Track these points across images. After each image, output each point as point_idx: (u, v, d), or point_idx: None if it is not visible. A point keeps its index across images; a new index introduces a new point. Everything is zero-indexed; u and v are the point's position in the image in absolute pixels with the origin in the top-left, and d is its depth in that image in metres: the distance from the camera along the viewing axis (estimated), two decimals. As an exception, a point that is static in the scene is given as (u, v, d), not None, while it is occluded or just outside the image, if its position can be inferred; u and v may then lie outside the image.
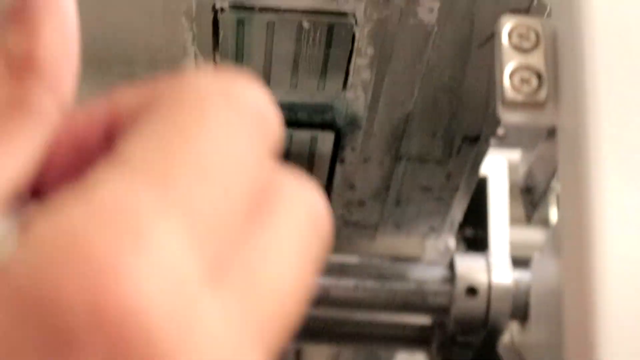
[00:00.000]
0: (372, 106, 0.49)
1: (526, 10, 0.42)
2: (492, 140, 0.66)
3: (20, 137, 0.25)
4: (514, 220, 0.69)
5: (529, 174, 0.51)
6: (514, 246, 0.68)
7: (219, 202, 0.23)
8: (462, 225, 0.70)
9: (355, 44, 0.45)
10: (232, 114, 0.25)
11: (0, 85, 0.25)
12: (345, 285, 0.61)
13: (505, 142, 0.69)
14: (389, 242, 0.67)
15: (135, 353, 0.20)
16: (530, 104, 0.35)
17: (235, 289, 0.23)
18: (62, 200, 0.22)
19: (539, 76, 0.35)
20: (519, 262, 0.64)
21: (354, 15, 0.44)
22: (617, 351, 0.30)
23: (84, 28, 0.43)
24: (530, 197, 0.52)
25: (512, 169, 0.69)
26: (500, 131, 0.70)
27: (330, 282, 0.61)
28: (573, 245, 0.33)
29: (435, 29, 0.44)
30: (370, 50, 0.46)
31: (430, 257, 0.68)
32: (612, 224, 0.31)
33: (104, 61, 0.46)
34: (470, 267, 0.61)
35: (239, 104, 0.25)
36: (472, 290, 0.60)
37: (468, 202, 0.61)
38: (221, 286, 0.23)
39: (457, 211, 0.60)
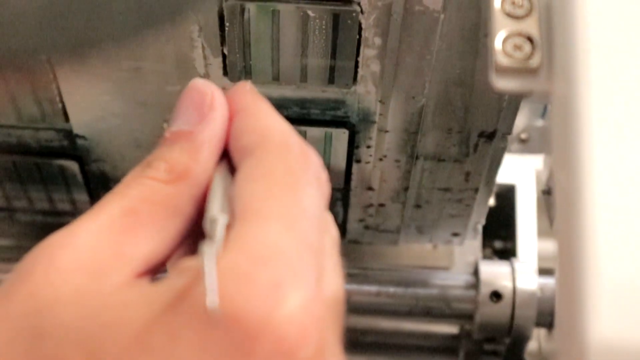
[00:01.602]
0: (384, 100, 0.49)
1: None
2: (516, 146, 0.66)
3: (163, 228, 0.35)
4: (542, 233, 0.68)
5: (552, 177, 0.51)
6: (543, 258, 0.67)
7: (321, 243, 0.34)
8: (491, 237, 0.69)
9: (363, 34, 0.45)
10: (314, 179, 0.36)
11: (159, 187, 0.36)
12: (367, 291, 0.61)
13: (528, 146, 0.68)
14: (415, 253, 0.67)
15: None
16: (523, 70, 0.34)
17: (326, 301, 0.34)
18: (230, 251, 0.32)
19: (532, 43, 0.35)
20: (548, 272, 0.63)
21: (359, 3, 0.44)
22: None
23: (90, 24, 0.43)
24: (552, 200, 0.51)
25: (540, 178, 0.68)
26: (523, 135, 0.69)
27: (352, 287, 0.60)
28: (564, 211, 0.32)
29: (442, 16, 0.44)
30: (377, 41, 0.45)
31: (459, 269, 0.67)
32: (603, 189, 0.31)
33: (112, 56, 0.47)
34: (494, 272, 0.60)
35: (315, 169, 0.37)
36: (496, 295, 0.59)
37: (489, 206, 0.60)
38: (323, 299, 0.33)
39: (479, 215, 0.59)
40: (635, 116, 0.31)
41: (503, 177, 0.68)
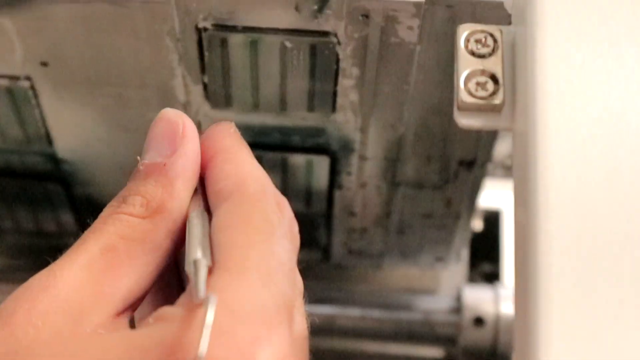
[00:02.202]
0: (364, 129, 0.50)
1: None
2: (502, 171, 0.66)
3: (142, 264, 0.36)
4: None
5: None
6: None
7: (294, 295, 0.35)
8: (480, 261, 0.69)
9: (340, 64, 0.46)
10: (288, 231, 0.37)
11: (136, 223, 0.36)
12: (351, 314, 0.61)
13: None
14: (401, 276, 0.67)
15: None
16: (486, 108, 0.35)
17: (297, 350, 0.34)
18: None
19: (496, 81, 0.35)
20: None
21: (336, 35, 0.44)
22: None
23: (74, 50, 0.44)
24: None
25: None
26: (508, 161, 0.70)
27: (336, 311, 0.61)
28: (522, 244, 0.32)
29: (418, 48, 0.45)
30: (355, 71, 0.46)
31: (445, 293, 0.68)
32: (556, 226, 0.31)
33: (95, 83, 0.47)
34: (478, 297, 0.61)
35: (289, 221, 0.37)
36: (479, 321, 0.60)
37: (476, 231, 0.61)
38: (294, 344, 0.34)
39: (462, 240, 0.59)
40: (591, 156, 0.32)
41: (489, 202, 0.68)
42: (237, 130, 0.41)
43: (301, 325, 0.36)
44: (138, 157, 0.39)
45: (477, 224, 0.70)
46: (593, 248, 0.31)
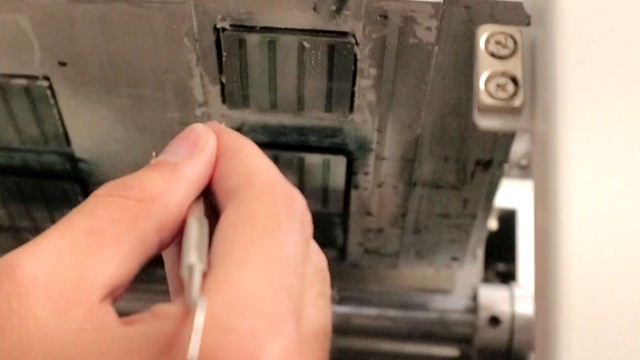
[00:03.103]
0: (381, 129, 0.50)
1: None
2: (518, 171, 0.66)
3: (127, 250, 0.35)
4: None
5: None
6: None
7: (300, 288, 0.35)
8: (495, 260, 0.69)
9: (358, 64, 0.46)
10: (297, 222, 0.36)
11: (128, 205, 0.36)
12: (367, 313, 0.61)
13: (529, 172, 0.69)
14: (417, 276, 0.67)
15: None
16: (506, 109, 0.35)
17: (308, 344, 0.35)
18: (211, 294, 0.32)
19: (516, 82, 0.35)
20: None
21: (354, 35, 0.44)
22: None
23: (92, 50, 0.44)
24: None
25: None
26: (524, 161, 0.70)
27: (352, 310, 0.61)
28: (542, 245, 0.33)
29: (436, 48, 0.45)
30: (373, 71, 0.46)
31: (460, 292, 0.68)
32: (578, 229, 0.31)
33: (113, 83, 0.48)
34: (493, 297, 0.61)
35: (299, 212, 0.37)
36: (495, 320, 0.60)
37: (491, 230, 0.61)
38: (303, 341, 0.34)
39: (477, 240, 0.59)
40: (612, 157, 0.32)
41: (505, 202, 0.69)
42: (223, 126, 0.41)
43: (313, 320, 0.36)
44: (153, 153, 0.39)
45: (493, 224, 0.70)
46: (614, 250, 0.31)
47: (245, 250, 0.34)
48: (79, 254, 0.34)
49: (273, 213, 0.36)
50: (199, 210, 0.38)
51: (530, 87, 0.35)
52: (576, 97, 0.33)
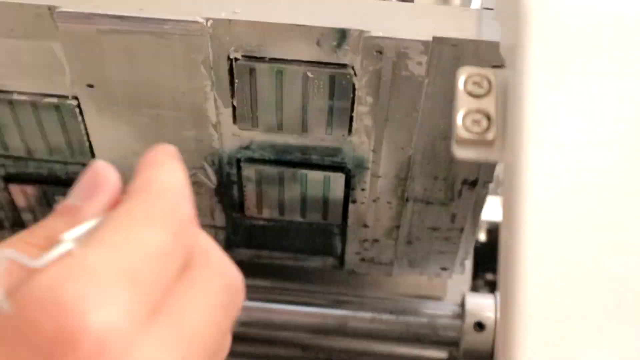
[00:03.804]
0: (376, 150, 0.55)
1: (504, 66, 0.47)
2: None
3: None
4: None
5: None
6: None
7: (157, 278, 0.37)
8: (483, 270, 0.74)
9: (356, 93, 0.51)
10: (175, 225, 0.38)
11: (34, 252, 0.37)
12: (362, 317, 0.66)
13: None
14: (412, 283, 0.72)
15: None
16: (480, 142, 0.40)
17: (164, 327, 0.36)
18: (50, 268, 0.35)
19: (489, 119, 0.40)
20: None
21: (352, 67, 0.49)
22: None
23: (117, 74, 0.50)
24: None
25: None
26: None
27: (349, 314, 0.66)
28: (505, 259, 0.38)
29: (426, 80, 0.50)
30: (369, 99, 0.51)
31: (450, 300, 0.73)
32: (536, 251, 0.36)
33: (134, 103, 0.53)
34: (479, 304, 0.66)
35: (178, 220, 0.39)
36: (480, 325, 0.65)
37: (479, 242, 0.66)
38: (154, 324, 0.36)
39: (465, 251, 0.64)
40: (569, 188, 0.37)
41: (492, 215, 0.74)
42: (174, 149, 0.43)
43: (193, 326, 0.37)
44: (57, 198, 0.43)
45: (481, 236, 0.75)
46: (567, 265, 0.36)
47: (106, 235, 0.36)
48: None
49: (149, 212, 0.38)
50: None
51: (502, 123, 0.40)
52: (538, 133, 0.38)
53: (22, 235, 0.39)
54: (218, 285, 0.40)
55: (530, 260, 0.36)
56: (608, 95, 0.39)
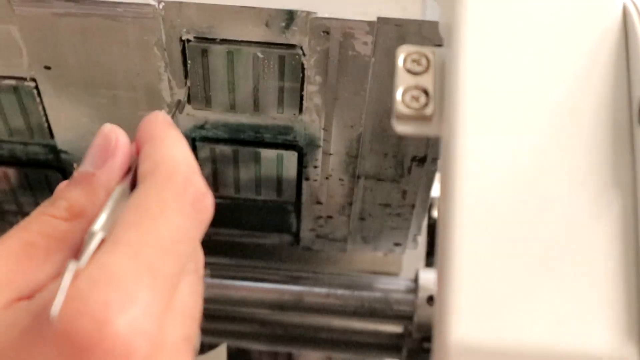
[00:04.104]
0: (327, 128, 0.57)
1: (446, 44, 0.49)
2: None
3: (56, 260, 0.39)
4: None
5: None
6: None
7: (172, 267, 0.38)
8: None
9: (305, 72, 0.53)
10: (188, 207, 0.40)
11: (57, 224, 0.40)
12: (318, 292, 0.68)
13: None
14: (364, 259, 0.74)
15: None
16: (419, 117, 0.42)
17: (176, 315, 0.39)
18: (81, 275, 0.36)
19: (427, 95, 0.42)
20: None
21: (301, 47, 0.51)
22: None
23: (73, 56, 0.51)
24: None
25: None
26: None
27: (304, 289, 0.67)
28: (441, 233, 0.39)
29: (372, 60, 0.51)
30: (318, 79, 0.53)
31: (405, 275, 0.74)
32: (469, 220, 0.38)
33: (90, 85, 0.54)
34: (432, 279, 0.68)
35: (191, 197, 0.40)
36: (432, 299, 0.66)
37: (428, 219, 0.67)
38: (170, 314, 0.38)
39: (417, 227, 0.66)
40: (502, 161, 0.39)
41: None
42: (167, 116, 0.44)
43: (184, 301, 0.40)
44: (75, 164, 0.45)
45: (435, 213, 0.77)
46: (498, 238, 0.38)
47: (123, 232, 0.38)
48: (11, 263, 0.38)
49: (161, 198, 0.39)
50: (126, 185, 0.42)
51: (440, 99, 0.42)
52: (472, 108, 0.39)
53: (45, 209, 0.41)
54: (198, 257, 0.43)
55: (464, 235, 0.38)
56: (539, 71, 0.40)
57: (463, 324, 0.37)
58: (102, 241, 0.38)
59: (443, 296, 0.38)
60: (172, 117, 0.50)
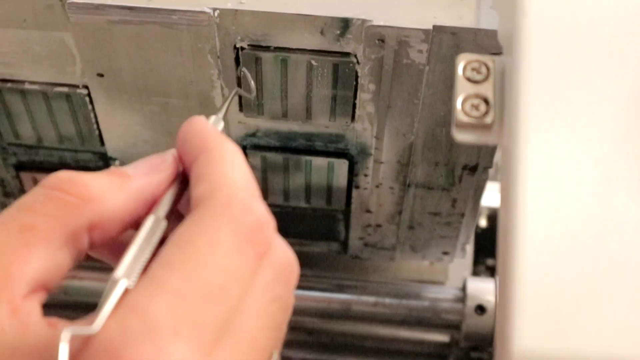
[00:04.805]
0: (379, 136, 0.56)
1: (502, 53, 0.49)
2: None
3: (57, 246, 0.36)
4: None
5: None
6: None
7: (217, 314, 0.35)
8: (484, 256, 0.76)
9: (359, 81, 0.52)
10: (241, 242, 0.36)
11: (67, 200, 0.37)
12: (366, 301, 0.68)
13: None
14: (414, 269, 0.74)
15: None
16: (479, 126, 0.41)
17: (232, 352, 0.35)
18: (115, 322, 0.33)
19: (488, 103, 0.42)
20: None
21: (355, 55, 0.51)
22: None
23: (127, 64, 0.51)
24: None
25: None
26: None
27: (352, 298, 0.67)
28: (502, 242, 0.39)
29: (427, 68, 0.51)
30: (372, 87, 0.53)
31: (452, 284, 0.74)
32: (532, 229, 0.38)
33: (143, 92, 0.54)
34: (480, 288, 0.67)
35: (248, 230, 0.37)
36: (481, 309, 0.66)
37: (479, 228, 0.67)
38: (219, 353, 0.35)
39: (466, 236, 0.66)
40: (563, 167, 0.39)
41: (493, 201, 0.75)
42: (209, 123, 0.42)
43: (248, 335, 0.36)
44: (117, 162, 0.43)
45: (482, 222, 0.76)
46: (563, 247, 0.38)
47: (166, 275, 0.34)
48: (8, 253, 0.35)
49: (214, 235, 0.36)
50: (162, 209, 0.39)
51: (500, 108, 0.42)
52: (534, 117, 0.39)
53: (61, 182, 0.37)
54: (285, 280, 0.38)
55: (528, 243, 0.37)
56: (603, 79, 0.40)
57: (527, 333, 0.37)
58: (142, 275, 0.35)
59: (506, 305, 0.37)
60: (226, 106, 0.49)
